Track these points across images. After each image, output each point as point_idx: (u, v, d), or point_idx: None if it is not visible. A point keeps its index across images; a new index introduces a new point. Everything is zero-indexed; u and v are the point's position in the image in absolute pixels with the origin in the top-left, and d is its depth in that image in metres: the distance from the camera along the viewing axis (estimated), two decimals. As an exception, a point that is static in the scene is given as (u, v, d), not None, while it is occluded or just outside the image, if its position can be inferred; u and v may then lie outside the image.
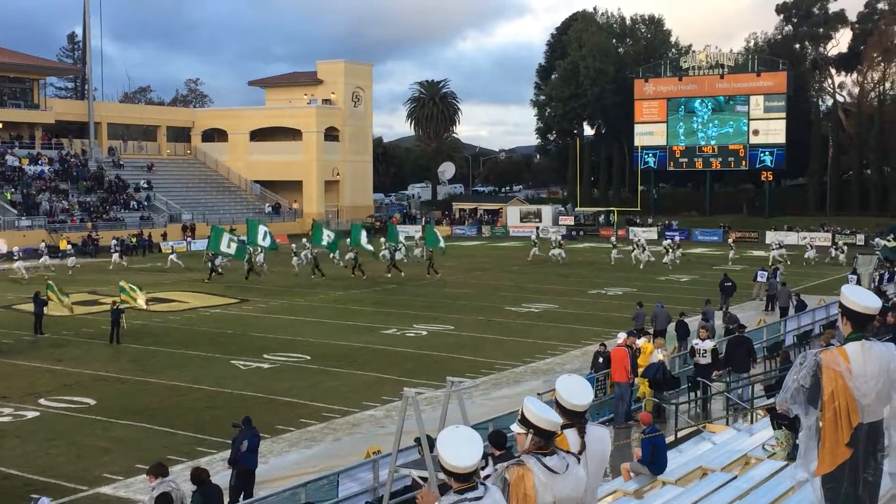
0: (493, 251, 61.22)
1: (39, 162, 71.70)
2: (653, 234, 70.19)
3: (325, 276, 45.58)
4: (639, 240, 58.20)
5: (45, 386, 23.35)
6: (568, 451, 5.04)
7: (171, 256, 51.79)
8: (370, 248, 48.00)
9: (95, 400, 21.92)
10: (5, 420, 20.38)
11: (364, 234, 48.31)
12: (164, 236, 64.20)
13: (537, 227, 73.30)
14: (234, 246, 44.16)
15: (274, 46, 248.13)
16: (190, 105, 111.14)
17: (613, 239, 62.71)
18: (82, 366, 25.80)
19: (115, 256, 51.84)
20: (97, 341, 29.28)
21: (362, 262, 46.59)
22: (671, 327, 27.06)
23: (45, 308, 31.01)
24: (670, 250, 52.54)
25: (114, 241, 54.91)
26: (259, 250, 46.66)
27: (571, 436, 5.36)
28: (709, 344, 20.83)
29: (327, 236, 48.26)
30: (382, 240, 51.06)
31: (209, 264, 46.08)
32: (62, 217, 64.84)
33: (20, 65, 75.77)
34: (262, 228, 47.01)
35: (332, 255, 48.82)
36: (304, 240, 51.77)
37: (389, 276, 46.22)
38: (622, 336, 20.90)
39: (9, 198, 64.35)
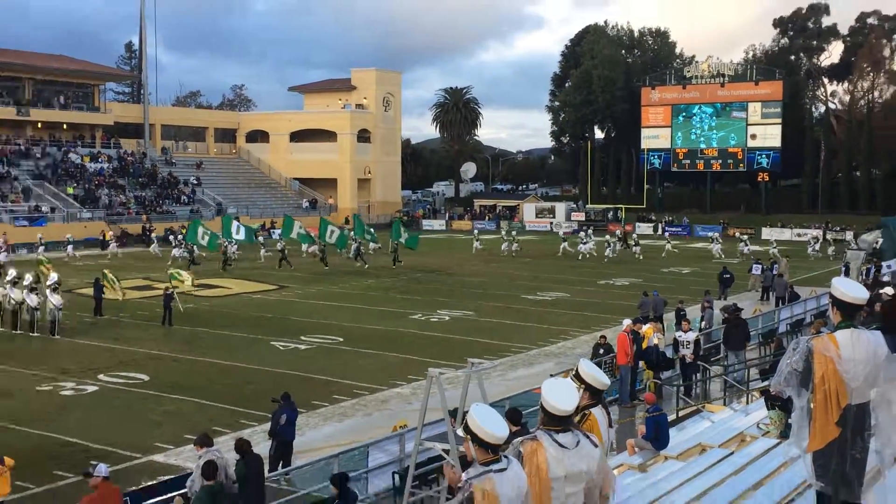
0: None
1: (99, 160, 72.21)
2: (649, 229, 69.99)
3: (292, 267, 45.05)
4: (583, 233, 58.15)
5: (103, 363, 23.55)
6: (582, 431, 5.07)
7: (153, 247, 51.71)
8: (332, 242, 47.79)
9: (149, 376, 22.10)
10: (68, 393, 20.60)
11: (331, 228, 48.10)
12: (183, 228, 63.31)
13: (477, 226, 73.56)
14: (207, 238, 45.09)
15: (312, 55, 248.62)
16: (235, 108, 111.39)
17: (562, 233, 62.62)
18: (137, 345, 26.02)
19: (113, 246, 51.83)
20: (151, 323, 29.54)
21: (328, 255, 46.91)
22: (671, 314, 26.95)
23: (103, 292, 31.33)
24: (610, 244, 52.42)
25: (111, 234, 54.96)
26: (233, 242, 46.68)
27: (599, 412, 5.70)
28: (691, 335, 20.70)
29: (298, 230, 48.20)
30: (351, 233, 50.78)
31: (188, 255, 45.96)
32: (119, 210, 65.31)
33: (83, 71, 76.44)
34: (235, 223, 48.05)
35: (303, 246, 48.64)
36: (276, 233, 51.95)
37: (358, 265, 45.99)
38: (626, 322, 20.81)
39: (72, 192, 64.88)
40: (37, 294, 28.82)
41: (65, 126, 73.53)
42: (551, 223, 75.90)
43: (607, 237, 55.56)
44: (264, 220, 65.97)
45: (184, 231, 48.97)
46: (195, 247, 45.99)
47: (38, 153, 69.08)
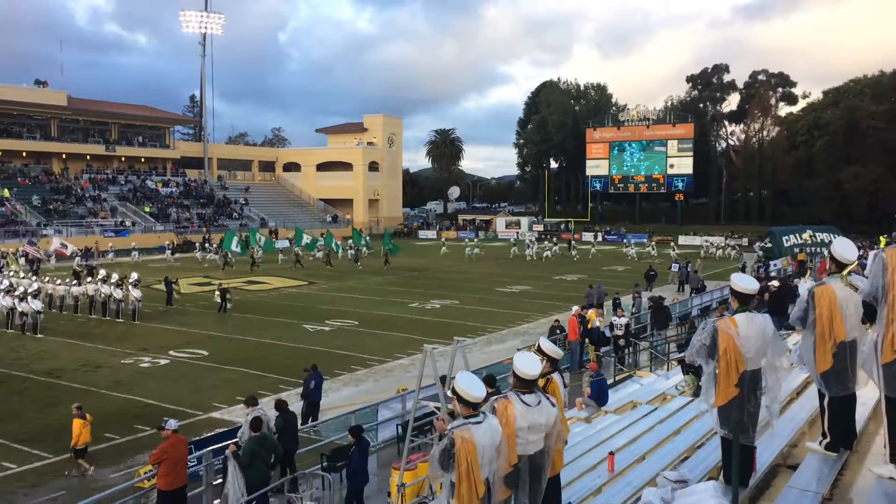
0: (487, 249, 60.99)
1: (169, 185, 71.89)
2: (591, 237, 69.89)
3: (303, 267, 44.62)
4: (528, 239, 57.78)
5: (173, 342, 23.50)
6: (545, 393, 5.10)
7: (197, 254, 49.96)
8: (334, 247, 47.83)
9: (209, 352, 22.03)
10: (146, 365, 20.51)
11: (334, 240, 48.40)
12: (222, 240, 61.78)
13: (442, 234, 73.11)
14: (240, 246, 45.24)
15: (333, 104, 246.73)
16: (274, 145, 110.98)
17: (512, 239, 62.39)
18: (199, 328, 25.93)
19: (168, 254, 51.00)
20: (210, 311, 29.40)
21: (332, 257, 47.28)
22: (610, 302, 26.96)
23: (173, 287, 31.16)
24: (549, 248, 52.23)
25: (169, 244, 53.66)
26: (258, 249, 46.11)
27: (558, 377, 5.72)
28: (623, 320, 20.75)
29: (306, 239, 47.66)
30: (350, 241, 50.39)
31: (223, 259, 45.35)
32: (185, 224, 65.00)
33: (157, 117, 76.18)
34: (259, 235, 47.92)
35: (310, 252, 48.01)
36: (290, 243, 51.99)
37: (360, 266, 45.56)
38: (575, 308, 20.84)
39: (148, 210, 64.58)
40: (121, 288, 28.66)
41: (143, 159, 73.21)
42: (517, 233, 75.83)
43: (546, 243, 55.72)
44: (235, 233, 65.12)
45: (221, 241, 48.68)
46: (228, 252, 45.77)
47: (122, 180, 68.80)
